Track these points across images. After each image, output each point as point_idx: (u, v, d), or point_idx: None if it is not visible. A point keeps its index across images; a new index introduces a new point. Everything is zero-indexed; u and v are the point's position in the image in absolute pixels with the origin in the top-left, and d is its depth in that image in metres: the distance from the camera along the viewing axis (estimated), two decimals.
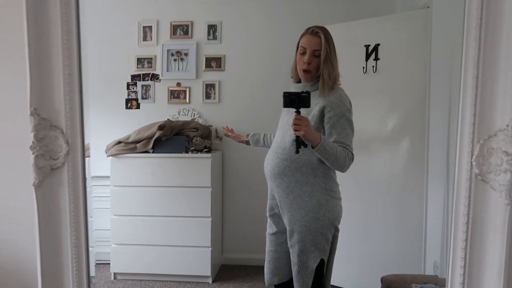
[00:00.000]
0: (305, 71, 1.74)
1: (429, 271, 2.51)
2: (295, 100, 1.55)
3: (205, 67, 3.41)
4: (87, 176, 1.14)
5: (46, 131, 1.03)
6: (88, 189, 1.14)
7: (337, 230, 1.78)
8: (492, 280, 0.92)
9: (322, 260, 1.73)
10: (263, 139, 2.13)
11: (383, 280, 2.17)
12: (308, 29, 1.75)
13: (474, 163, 0.91)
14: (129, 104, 3.47)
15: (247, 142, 2.19)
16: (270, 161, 1.79)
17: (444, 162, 2.39)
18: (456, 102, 2.24)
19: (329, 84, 1.70)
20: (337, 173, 1.78)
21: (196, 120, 3.37)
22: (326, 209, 1.70)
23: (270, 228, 1.88)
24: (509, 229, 0.90)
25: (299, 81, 1.84)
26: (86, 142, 1.13)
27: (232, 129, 2.36)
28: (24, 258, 1.39)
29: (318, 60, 1.71)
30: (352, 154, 1.69)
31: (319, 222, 1.69)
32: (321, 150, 1.58)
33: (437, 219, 2.47)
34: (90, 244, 1.18)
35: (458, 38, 2.33)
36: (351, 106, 1.75)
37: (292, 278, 1.81)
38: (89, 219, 1.16)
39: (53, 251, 1.10)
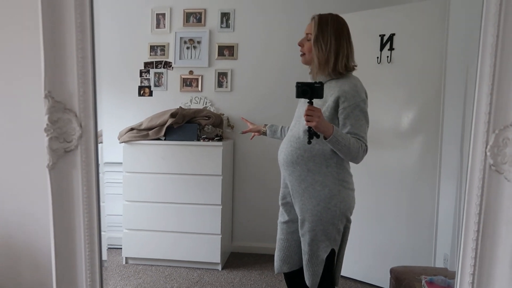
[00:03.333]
0: (301, 55, 1.78)
1: (439, 264, 2.50)
2: (307, 91, 1.54)
3: (218, 55, 3.40)
4: (100, 162, 1.15)
5: (60, 114, 1.04)
6: (100, 175, 1.16)
7: (348, 221, 1.77)
8: (503, 272, 0.91)
9: (332, 250, 1.72)
10: (281, 130, 2.10)
11: (392, 271, 2.17)
12: None
13: (488, 153, 0.89)
14: (142, 92, 3.49)
15: (264, 133, 2.14)
16: (283, 149, 1.79)
17: (458, 155, 2.36)
18: (472, 93, 2.20)
19: (317, 67, 1.71)
20: (350, 164, 1.76)
21: (208, 108, 3.37)
22: (338, 200, 1.69)
23: (282, 216, 1.88)
24: None
25: None
26: (99, 128, 1.14)
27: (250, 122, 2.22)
28: (38, 239, 1.42)
29: (310, 43, 1.73)
30: (366, 146, 1.67)
31: (330, 212, 1.69)
32: (333, 141, 1.57)
33: (448, 213, 2.45)
34: (102, 229, 1.20)
35: (475, 28, 2.28)
36: (366, 97, 1.72)
37: (301, 267, 1.82)
38: (101, 204, 1.18)
39: (66, 233, 1.12)
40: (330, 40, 1.69)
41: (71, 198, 1.08)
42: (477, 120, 0.91)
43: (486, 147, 0.89)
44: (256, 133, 2.18)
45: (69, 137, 1.06)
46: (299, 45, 1.77)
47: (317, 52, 1.70)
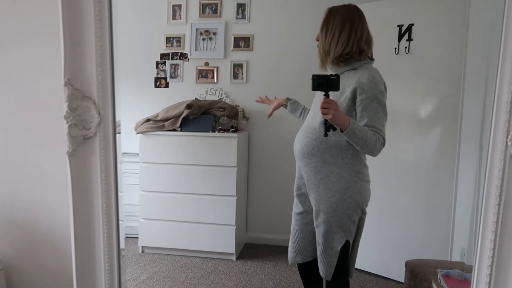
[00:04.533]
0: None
1: (456, 258, 2.47)
2: (323, 84, 1.52)
3: (233, 47, 3.40)
4: (117, 151, 1.17)
5: (79, 102, 1.06)
6: (118, 165, 1.18)
7: (364, 213, 1.76)
8: None
9: (347, 242, 1.72)
10: (302, 111, 2.07)
11: (408, 264, 2.15)
12: None
13: (509, 143, 0.87)
14: (158, 83, 3.52)
15: (285, 106, 2.11)
16: (299, 140, 1.78)
17: (477, 148, 2.31)
18: (492, 86, 2.16)
19: (321, 55, 1.72)
20: (367, 156, 1.75)
21: (223, 100, 3.38)
22: (354, 191, 1.68)
23: (296, 207, 1.88)
24: None
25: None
26: (117, 119, 1.16)
27: (266, 96, 2.23)
28: (59, 225, 1.45)
29: None
30: (384, 138, 1.65)
31: (345, 203, 1.68)
32: (350, 134, 1.56)
33: (466, 206, 2.41)
34: (120, 217, 1.22)
35: (497, 18, 2.22)
36: (385, 89, 1.69)
37: (315, 258, 1.82)
38: (119, 193, 1.20)
39: (85, 219, 1.15)
40: (334, 29, 1.69)
41: (90, 185, 1.10)
42: (498, 109, 0.89)
43: (507, 137, 0.88)
44: (276, 109, 2.14)
45: (88, 125, 1.08)
46: (317, 40, 1.77)
47: (322, 42, 1.72)
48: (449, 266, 1.92)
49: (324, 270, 1.74)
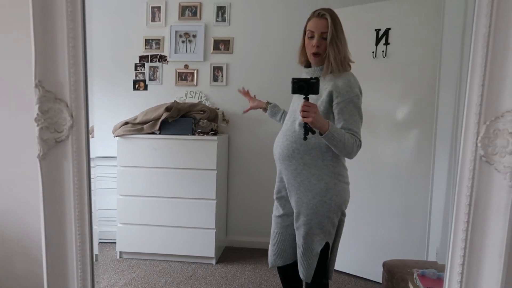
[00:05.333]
0: (314, 54, 1.72)
1: (432, 258, 2.51)
2: (303, 87, 1.53)
3: (213, 50, 3.39)
4: (91, 156, 1.14)
5: (50, 104, 1.04)
6: (92, 169, 1.15)
7: (343, 214, 1.78)
8: (492, 263, 0.91)
9: (327, 244, 1.73)
10: (282, 114, 2.07)
11: (385, 265, 2.18)
12: (314, 12, 1.73)
13: (479, 145, 0.89)
14: (136, 85, 3.48)
15: (265, 110, 2.12)
16: (279, 143, 1.79)
17: (452, 150, 2.36)
18: (464, 87, 2.20)
19: (334, 67, 1.68)
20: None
21: (203, 103, 3.36)
22: (334, 193, 1.70)
23: (277, 210, 1.88)
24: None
25: (308, 66, 1.81)
26: (91, 123, 1.13)
27: (248, 90, 2.22)
28: (30, 230, 1.41)
29: (326, 42, 1.69)
30: (360, 141, 1.67)
31: (326, 205, 1.69)
32: (329, 137, 1.57)
33: (441, 207, 2.46)
34: (93, 222, 1.19)
35: (470, 23, 2.28)
36: (361, 92, 1.72)
37: (295, 261, 1.82)
38: (92, 198, 1.17)
39: (57, 224, 1.12)
40: (342, 37, 1.70)
41: (62, 189, 1.07)
42: (469, 111, 0.91)
43: (477, 138, 0.90)
44: (254, 108, 2.16)
45: (60, 127, 1.05)
46: (317, 46, 1.69)
47: (333, 52, 1.67)
48: (425, 266, 1.95)
49: (304, 272, 1.75)
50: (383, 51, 2.73)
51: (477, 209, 0.92)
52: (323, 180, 1.69)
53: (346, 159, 1.76)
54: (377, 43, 2.76)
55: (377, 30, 2.74)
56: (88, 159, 1.07)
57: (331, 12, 1.70)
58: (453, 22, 2.40)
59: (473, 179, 0.91)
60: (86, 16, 1.10)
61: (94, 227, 1.21)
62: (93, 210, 1.17)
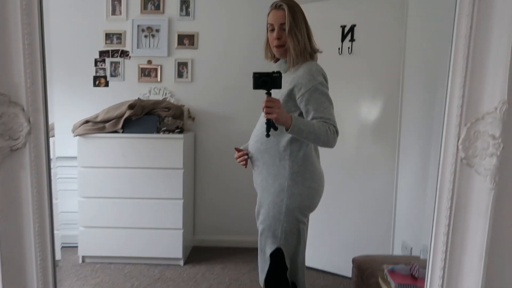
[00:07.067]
0: (277, 47, 1.66)
1: (397, 252, 2.57)
2: (267, 81, 1.44)
3: (178, 45, 3.28)
4: (51, 157, 1.05)
5: (4, 108, 0.93)
6: (53, 171, 1.06)
7: (300, 221, 1.64)
8: (472, 265, 0.91)
9: (279, 249, 1.62)
10: None
11: (355, 261, 2.20)
12: (272, 4, 1.67)
13: (460, 147, 0.89)
14: (97, 82, 3.32)
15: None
16: (250, 143, 1.76)
17: (415, 148, 2.41)
18: (430, 86, 2.24)
19: (294, 57, 1.63)
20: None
21: (167, 100, 3.26)
22: (286, 195, 1.60)
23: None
24: (492, 214, 0.89)
25: (276, 60, 1.76)
26: (50, 121, 1.03)
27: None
28: None
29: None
30: (335, 127, 1.57)
31: (276, 207, 1.61)
32: (295, 131, 1.49)
33: (405, 202, 2.52)
34: (55, 228, 1.11)
35: (432, 20, 2.32)
36: (325, 79, 1.64)
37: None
38: (54, 201, 1.08)
39: (14, 239, 1.02)
40: (302, 27, 1.64)
41: (19, 201, 0.97)
42: (450, 113, 0.90)
43: (458, 141, 0.89)
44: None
45: (16, 134, 0.95)
46: (278, 38, 1.63)
47: (293, 42, 1.61)
48: (393, 261, 1.98)
49: (259, 275, 1.71)
50: (349, 48, 2.74)
51: (458, 212, 0.92)
52: (277, 180, 1.62)
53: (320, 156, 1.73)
54: (343, 40, 2.76)
55: (343, 27, 2.74)
56: (49, 168, 0.98)
57: (288, 2, 1.64)
58: (417, 19, 2.44)
59: (454, 182, 0.90)
60: (44, 9, 1.00)
61: (56, 231, 1.11)
62: (54, 214, 1.08)
